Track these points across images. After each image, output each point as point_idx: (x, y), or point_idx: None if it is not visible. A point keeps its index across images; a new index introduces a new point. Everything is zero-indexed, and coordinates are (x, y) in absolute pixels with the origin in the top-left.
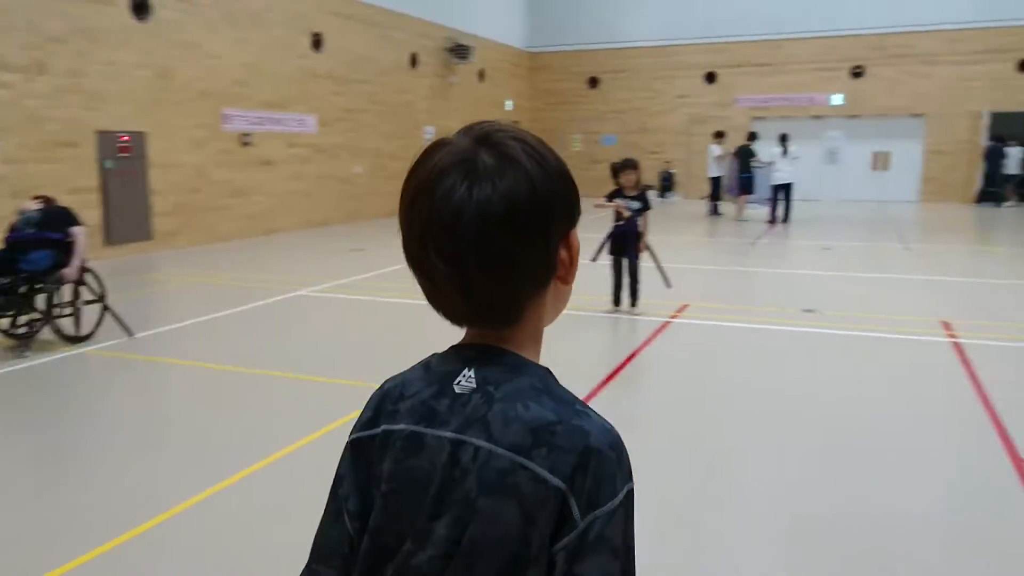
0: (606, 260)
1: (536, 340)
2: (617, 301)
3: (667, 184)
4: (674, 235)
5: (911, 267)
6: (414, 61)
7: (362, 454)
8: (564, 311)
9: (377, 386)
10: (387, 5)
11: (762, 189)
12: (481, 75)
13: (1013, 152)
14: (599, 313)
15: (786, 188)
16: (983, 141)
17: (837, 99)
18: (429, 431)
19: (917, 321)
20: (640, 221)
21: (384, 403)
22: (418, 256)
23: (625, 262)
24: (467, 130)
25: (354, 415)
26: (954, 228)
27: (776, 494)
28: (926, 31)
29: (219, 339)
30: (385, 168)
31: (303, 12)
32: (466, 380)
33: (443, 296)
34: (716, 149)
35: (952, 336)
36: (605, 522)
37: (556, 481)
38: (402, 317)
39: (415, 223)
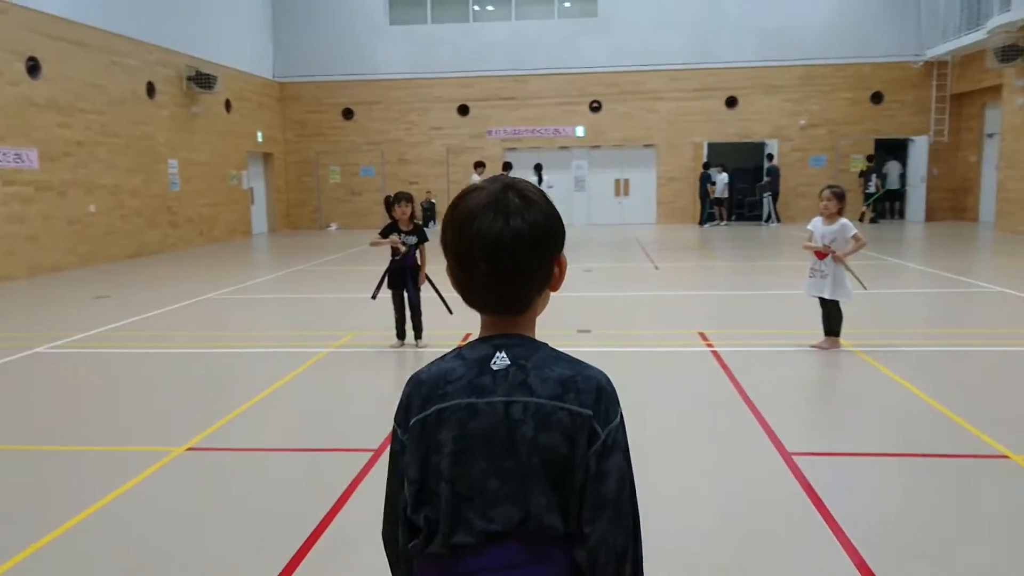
0: (386, 294)
1: (534, 325)
2: (401, 335)
3: (429, 214)
4: (441, 263)
5: (663, 284)
6: (151, 90)
7: (422, 432)
8: (368, 348)
9: None
10: (117, 30)
11: None
12: (228, 105)
13: (720, 178)
14: (385, 349)
15: None
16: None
17: (580, 131)
18: (480, 400)
19: (679, 334)
20: (417, 254)
21: (433, 390)
22: (466, 263)
23: (406, 296)
24: (493, 180)
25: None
26: (687, 247)
27: None
28: (651, 71)
29: None
30: (124, 206)
31: (14, 34)
32: (500, 360)
33: (480, 291)
34: (476, 178)
35: (710, 345)
36: (615, 431)
37: (586, 412)
38: (161, 369)
39: (464, 240)
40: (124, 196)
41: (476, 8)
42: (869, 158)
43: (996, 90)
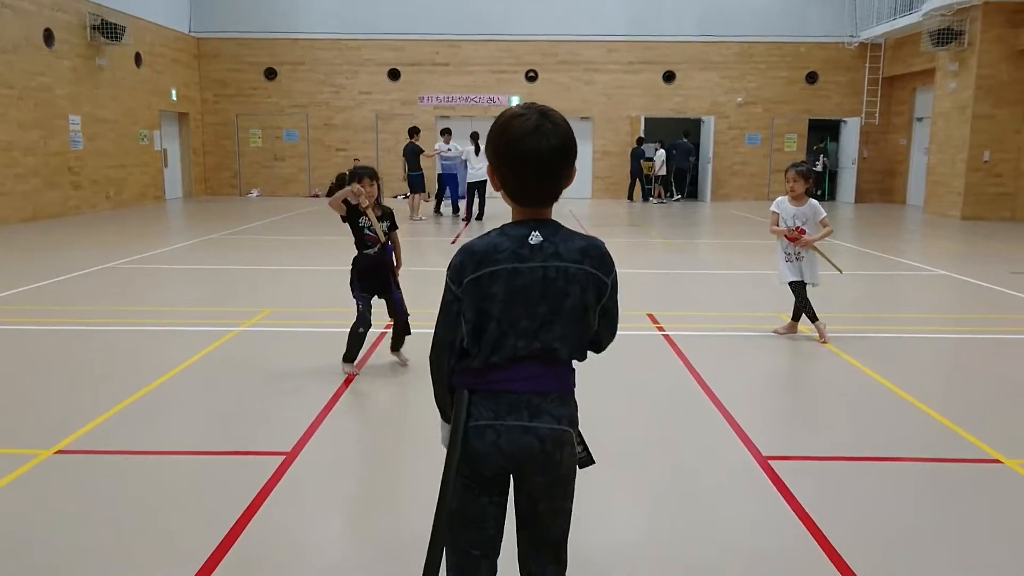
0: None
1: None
2: (353, 356)
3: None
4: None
5: None
6: (49, 38)
7: (477, 286)
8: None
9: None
10: None
11: (454, 186)
12: (138, 59)
13: (658, 154)
14: (301, 329)
15: (480, 186)
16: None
17: (515, 100)
18: (523, 265)
19: (628, 315)
20: (392, 246)
21: (485, 256)
22: (518, 168)
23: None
24: (529, 107)
25: None
26: (624, 223)
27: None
28: (588, 40)
29: None
30: (17, 164)
31: None
32: (535, 237)
33: (528, 187)
34: (443, 145)
35: (660, 329)
36: (615, 281)
37: (598, 272)
38: (46, 348)
39: (519, 156)
40: (17, 153)
41: None
42: (820, 139)
43: (927, 74)
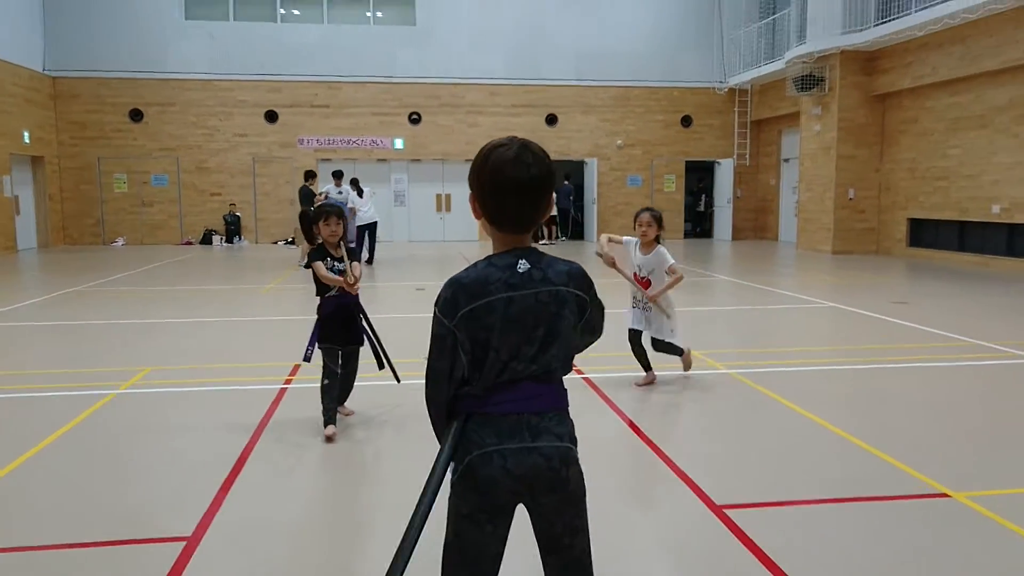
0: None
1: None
2: (332, 418)
3: (233, 228)
4: (251, 284)
5: None
6: None
7: (472, 318)
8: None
9: None
10: None
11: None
12: None
13: None
14: (191, 388)
15: (371, 228)
16: None
17: (399, 143)
18: (516, 293)
19: None
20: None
21: (478, 289)
22: (499, 195)
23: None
24: (511, 138)
25: None
26: None
27: None
28: (471, 83)
29: None
30: None
31: None
32: (522, 266)
33: (508, 214)
34: (333, 188)
35: (579, 372)
36: (594, 295)
37: (580, 292)
38: None
39: (500, 180)
40: None
41: (283, 11)
42: (700, 179)
43: (792, 117)
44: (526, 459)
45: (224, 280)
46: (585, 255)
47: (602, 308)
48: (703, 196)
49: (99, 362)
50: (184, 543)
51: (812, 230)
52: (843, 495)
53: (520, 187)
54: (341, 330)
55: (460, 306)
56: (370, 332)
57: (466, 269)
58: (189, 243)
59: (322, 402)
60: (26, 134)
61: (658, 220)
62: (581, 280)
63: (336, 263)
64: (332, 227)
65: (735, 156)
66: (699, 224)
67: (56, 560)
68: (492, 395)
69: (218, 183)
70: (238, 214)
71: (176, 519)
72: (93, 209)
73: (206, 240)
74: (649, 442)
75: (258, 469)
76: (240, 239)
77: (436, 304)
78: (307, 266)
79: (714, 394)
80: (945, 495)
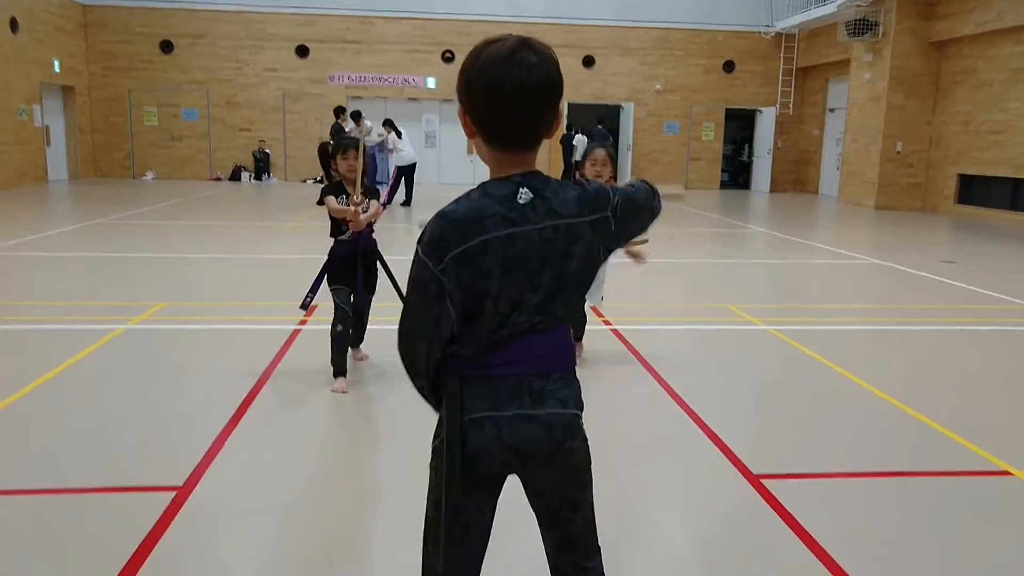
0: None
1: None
2: (342, 369)
3: (263, 166)
4: (274, 222)
5: None
6: None
7: (465, 261)
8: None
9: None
10: None
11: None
12: (13, 25)
13: (579, 140)
14: (191, 327)
15: (409, 169)
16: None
17: (431, 82)
18: (517, 230)
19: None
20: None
21: (470, 226)
22: (492, 100)
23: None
24: (507, 35)
25: None
26: None
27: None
28: (504, 22)
29: None
30: None
31: None
32: (524, 195)
33: (505, 124)
34: (353, 124)
35: (607, 323)
36: (619, 202)
37: (600, 214)
38: None
39: (492, 81)
40: None
41: None
42: (744, 127)
43: (840, 65)
44: (522, 429)
45: (248, 217)
46: None
47: (639, 200)
48: (746, 145)
49: (112, 295)
50: (174, 493)
51: (855, 184)
52: (889, 468)
53: (518, 91)
54: (348, 275)
55: (450, 247)
56: (389, 277)
57: (457, 200)
58: (218, 179)
59: (331, 351)
60: (56, 63)
61: (612, 158)
62: (596, 201)
63: (352, 201)
64: (351, 161)
65: (778, 105)
66: (738, 175)
67: (38, 505)
68: (488, 355)
69: (248, 119)
70: (267, 151)
71: (168, 469)
72: (123, 142)
73: (235, 176)
74: (682, 403)
75: (258, 420)
76: (269, 176)
77: (419, 242)
78: (320, 202)
79: (752, 352)
80: (1007, 473)
